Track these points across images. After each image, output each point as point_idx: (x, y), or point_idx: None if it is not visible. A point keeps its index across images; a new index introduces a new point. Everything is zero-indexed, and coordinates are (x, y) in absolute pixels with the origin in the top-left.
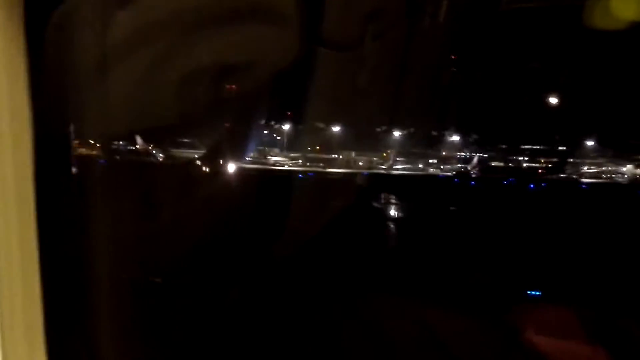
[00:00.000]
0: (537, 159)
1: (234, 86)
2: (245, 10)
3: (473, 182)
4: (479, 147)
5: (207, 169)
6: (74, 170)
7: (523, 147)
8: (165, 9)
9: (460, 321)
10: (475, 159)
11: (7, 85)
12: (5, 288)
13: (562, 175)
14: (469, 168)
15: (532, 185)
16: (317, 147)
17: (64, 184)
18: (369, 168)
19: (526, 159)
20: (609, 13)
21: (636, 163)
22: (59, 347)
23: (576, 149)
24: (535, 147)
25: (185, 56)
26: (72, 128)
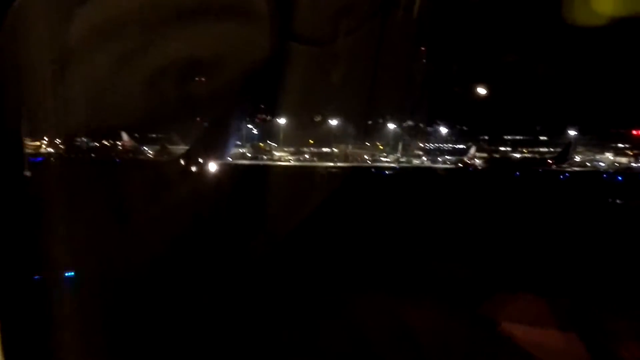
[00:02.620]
0: (519, 149)
1: (203, 79)
2: (215, 6)
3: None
4: (461, 138)
5: (185, 167)
6: (26, 170)
7: (506, 137)
8: (130, 4)
9: (435, 314)
10: (472, 150)
11: None
12: None
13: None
14: (466, 160)
15: (517, 174)
16: (311, 141)
17: (16, 182)
18: (363, 162)
19: (509, 149)
20: (589, 8)
21: (616, 151)
22: (14, 349)
23: (564, 138)
24: (517, 137)
25: (152, 53)
26: (26, 126)
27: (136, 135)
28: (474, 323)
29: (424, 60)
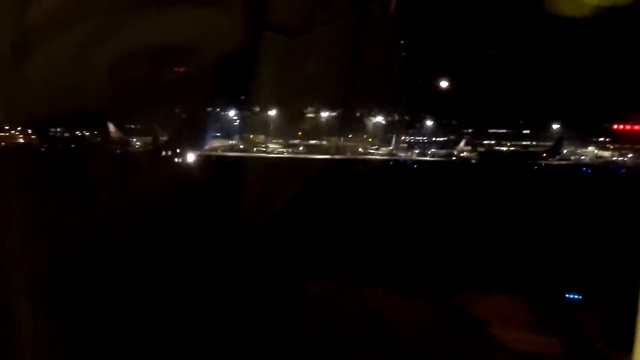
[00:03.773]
0: (503, 143)
1: (181, 69)
2: None
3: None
4: (443, 131)
5: (164, 157)
6: None
7: (490, 130)
8: None
9: (410, 305)
10: (462, 144)
11: None
12: None
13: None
14: (456, 152)
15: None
16: (299, 133)
17: None
18: (355, 154)
19: (493, 142)
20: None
21: (598, 145)
22: None
23: (547, 132)
24: (501, 130)
25: (119, 37)
26: None
27: (126, 126)
28: (449, 314)
29: (402, 54)
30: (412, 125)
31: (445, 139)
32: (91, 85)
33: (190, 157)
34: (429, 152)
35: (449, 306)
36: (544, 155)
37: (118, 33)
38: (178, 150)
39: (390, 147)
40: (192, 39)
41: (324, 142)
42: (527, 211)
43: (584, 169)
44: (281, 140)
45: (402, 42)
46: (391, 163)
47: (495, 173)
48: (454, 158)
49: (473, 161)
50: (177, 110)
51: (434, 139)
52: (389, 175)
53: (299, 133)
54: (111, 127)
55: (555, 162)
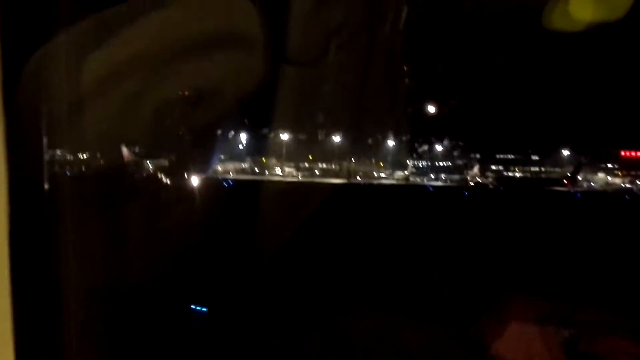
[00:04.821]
0: (512, 168)
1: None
2: (214, 38)
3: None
4: (453, 156)
5: (180, 180)
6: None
7: (498, 156)
8: (135, 47)
9: (427, 334)
10: (475, 169)
11: None
12: None
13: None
14: (469, 178)
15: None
16: (310, 157)
17: (36, 200)
18: (368, 178)
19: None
20: (567, 15)
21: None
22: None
23: (557, 158)
24: (509, 156)
25: (156, 89)
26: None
27: (135, 150)
28: (466, 346)
29: (408, 78)
30: (422, 149)
31: (457, 163)
32: (135, 131)
33: (206, 180)
34: (442, 177)
35: (464, 337)
36: (565, 182)
37: (158, 85)
38: (188, 173)
39: (406, 172)
40: (219, 80)
41: (335, 166)
42: (559, 240)
43: (608, 196)
44: (292, 164)
45: (409, 65)
46: (408, 188)
47: (520, 200)
48: (471, 184)
49: (491, 187)
50: (182, 132)
51: (443, 163)
52: (409, 201)
53: (310, 157)
54: (124, 150)
55: (579, 189)
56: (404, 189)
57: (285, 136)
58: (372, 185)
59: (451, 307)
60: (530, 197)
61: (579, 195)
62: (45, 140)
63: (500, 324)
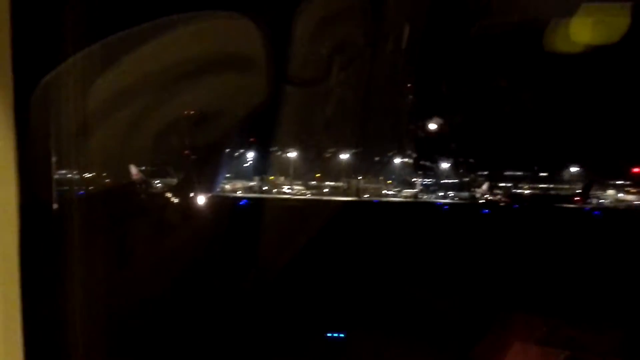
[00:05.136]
0: (520, 185)
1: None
2: (218, 60)
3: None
4: (460, 173)
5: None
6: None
7: (506, 173)
8: (139, 70)
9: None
10: (485, 186)
11: None
12: None
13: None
14: (478, 195)
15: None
16: (317, 175)
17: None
18: (377, 195)
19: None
20: (568, 37)
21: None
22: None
23: (564, 174)
24: (517, 173)
25: (161, 111)
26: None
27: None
28: None
29: (411, 96)
30: (429, 167)
31: (465, 180)
32: (140, 151)
33: (214, 198)
34: (450, 195)
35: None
36: (576, 198)
37: (161, 107)
38: (195, 191)
39: (414, 190)
40: (222, 101)
41: (343, 184)
42: (575, 257)
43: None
44: (300, 182)
45: (412, 83)
46: (419, 205)
47: (534, 216)
48: (482, 201)
49: (502, 204)
50: (187, 152)
51: (451, 180)
52: (422, 217)
53: (317, 175)
54: (133, 169)
55: (590, 206)
56: (413, 206)
57: (292, 154)
58: (381, 202)
59: (452, 328)
60: (542, 214)
61: (596, 212)
62: (54, 160)
63: (501, 345)
